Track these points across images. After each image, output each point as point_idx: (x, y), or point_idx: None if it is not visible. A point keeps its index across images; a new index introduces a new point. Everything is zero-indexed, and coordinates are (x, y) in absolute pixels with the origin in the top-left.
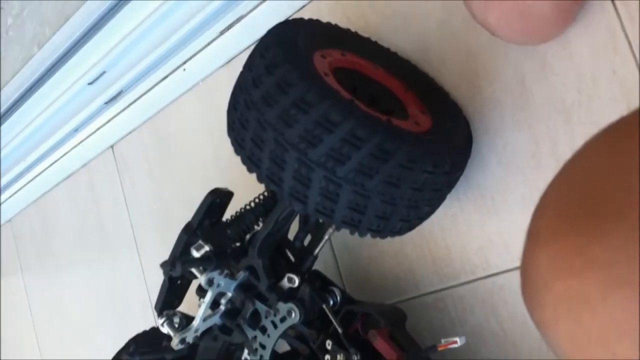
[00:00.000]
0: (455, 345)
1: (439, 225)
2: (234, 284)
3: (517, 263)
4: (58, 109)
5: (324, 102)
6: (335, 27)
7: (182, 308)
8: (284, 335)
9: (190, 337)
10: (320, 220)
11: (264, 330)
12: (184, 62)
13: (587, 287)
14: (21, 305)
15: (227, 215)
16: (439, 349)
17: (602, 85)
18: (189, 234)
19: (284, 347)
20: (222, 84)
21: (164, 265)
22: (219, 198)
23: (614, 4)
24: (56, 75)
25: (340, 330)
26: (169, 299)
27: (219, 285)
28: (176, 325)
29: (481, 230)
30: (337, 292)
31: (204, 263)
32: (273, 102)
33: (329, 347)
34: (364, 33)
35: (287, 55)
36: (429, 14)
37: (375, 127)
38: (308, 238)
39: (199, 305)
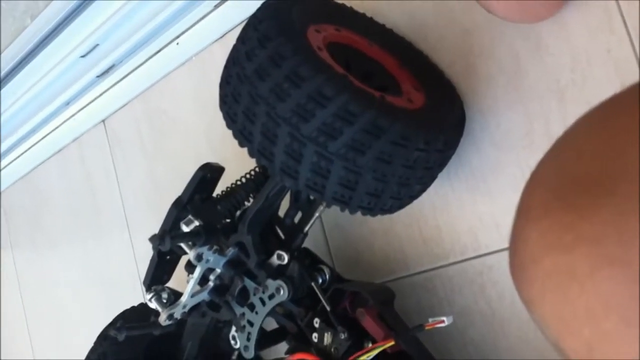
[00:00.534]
0: (442, 325)
1: (430, 204)
2: (223, 260)
3: (507, 244)
4: (50, 81)
5: (317, 76)
6: (331, 2)
7: (171, 284)
8: (272, 313)
9: (178, 313)
10: (311, 197)
11: (252, 307)
12: (178, 36)
13: (576, 262)
14: (10, 280)
15: (218, 190)
16: (426, 328)
17: (597, 65)
18: (179, 209)
19: (272, 325)
20: (216, 59)
21: (153, 239)
22: (209, 173)
23: None
24: (49, 47)
25: (328, 308)
26: (157, 274)
27: (207, 260)
28: (164, 301)
29: (472, 210)
30: (326, 270)
31: (194, 238)
32: (266, 75)
33: (316, 325)
34: (359, 9)
35: (281, 29)
36: None
37: (368, 102)
38: (299, 215)
39: (188, 281)
